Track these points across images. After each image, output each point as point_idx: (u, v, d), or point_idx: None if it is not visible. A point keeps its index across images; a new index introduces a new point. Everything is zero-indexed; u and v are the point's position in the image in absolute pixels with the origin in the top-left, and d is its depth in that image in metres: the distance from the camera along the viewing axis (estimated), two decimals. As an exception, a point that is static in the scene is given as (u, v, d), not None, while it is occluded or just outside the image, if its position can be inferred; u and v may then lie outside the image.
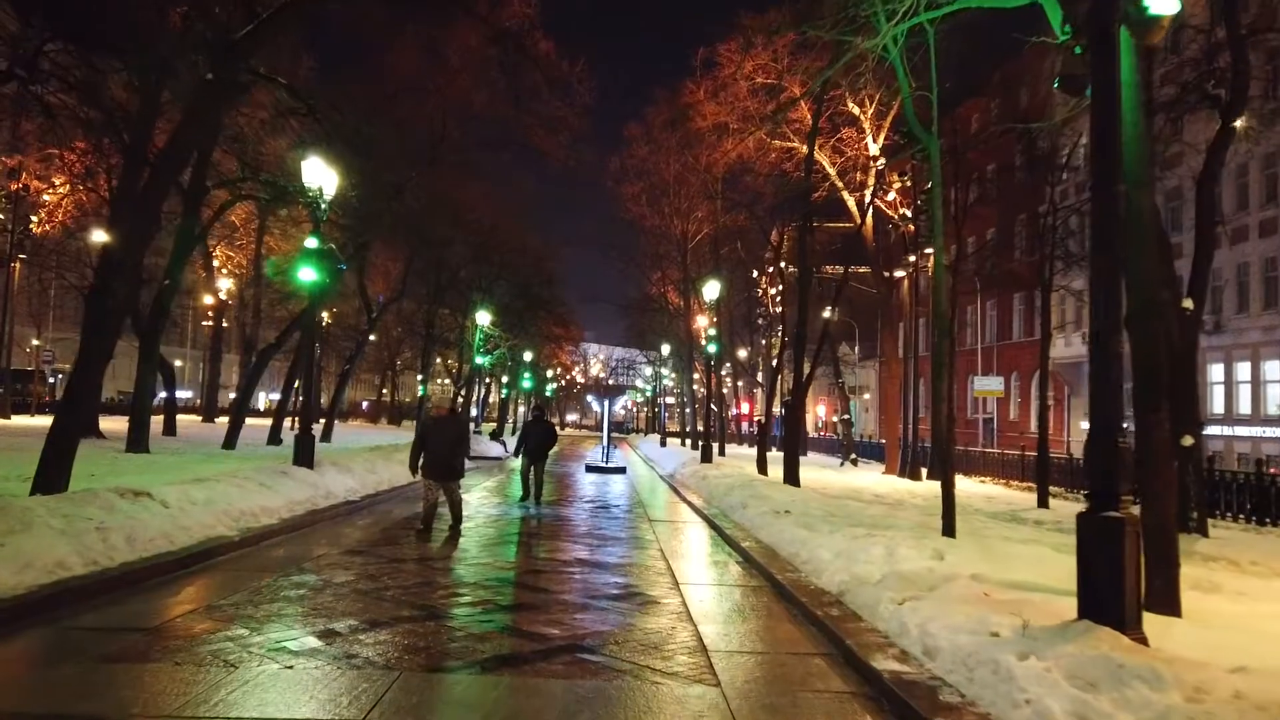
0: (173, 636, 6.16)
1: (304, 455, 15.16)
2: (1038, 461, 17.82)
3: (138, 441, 20.39)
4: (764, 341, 53.23)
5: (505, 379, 63.73)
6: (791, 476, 19.07)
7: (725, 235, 39.37)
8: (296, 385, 32.07)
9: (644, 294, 47.79)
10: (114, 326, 12.13)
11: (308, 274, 15.01)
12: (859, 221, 26.54)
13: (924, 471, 23.92)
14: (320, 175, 14.86)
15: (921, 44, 13.36)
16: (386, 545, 10.89)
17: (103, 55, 15.29)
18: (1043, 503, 17.00)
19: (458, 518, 12.22)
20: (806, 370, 20.24)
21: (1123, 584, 5.25)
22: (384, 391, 73.32)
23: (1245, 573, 9.27)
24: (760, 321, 47.53)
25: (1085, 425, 28.44)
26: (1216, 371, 34.06)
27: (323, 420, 34.28)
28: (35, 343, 58.14)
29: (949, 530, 10.66)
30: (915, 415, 24.36)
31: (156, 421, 34.80)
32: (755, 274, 44.83)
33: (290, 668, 5.51)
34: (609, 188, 43.68)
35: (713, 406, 33.39)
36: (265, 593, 7.74)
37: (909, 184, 24.63)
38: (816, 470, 28.74)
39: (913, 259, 24.14)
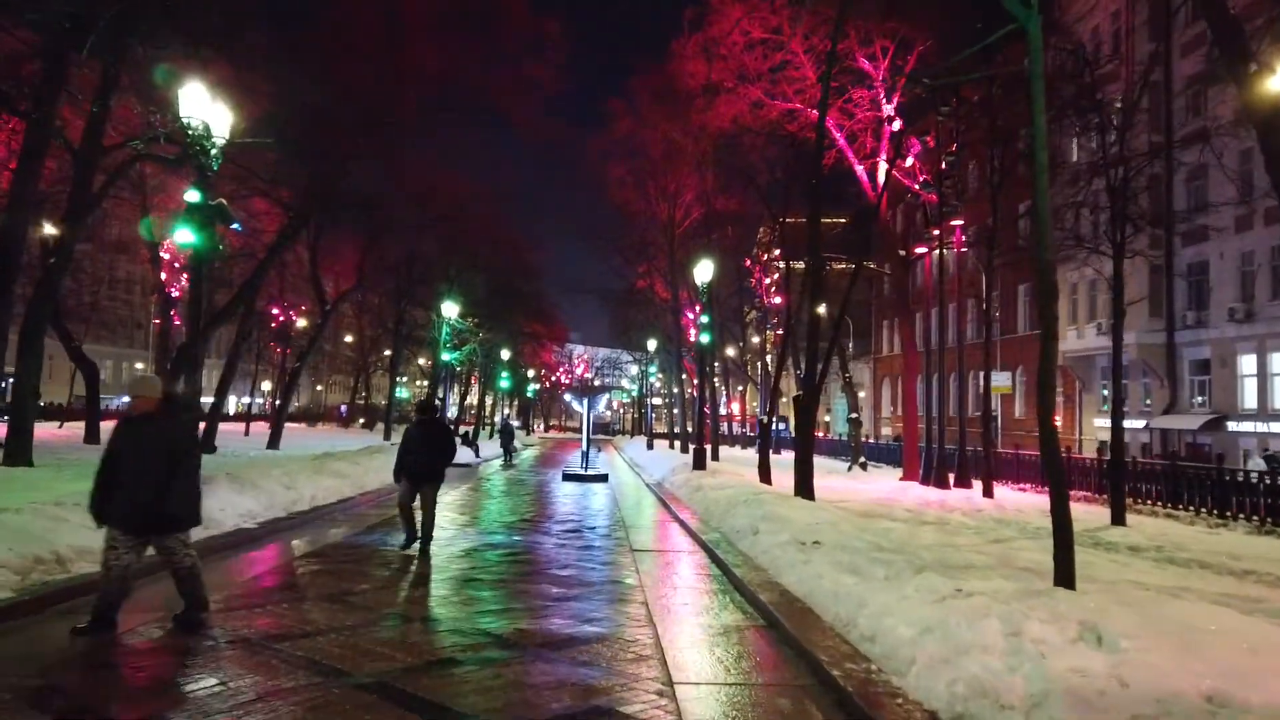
0: None
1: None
2: (1109, 468, 14.54)
3: (14, 453, 16.90)
4: (759, 337, 50.03)
5: (478, 378, 60.28)
6: (804, 487, 15.76)
7: (716, 219, 36.08)
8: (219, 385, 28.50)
9: (629, 284, 44.43)
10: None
11: (185, 235, 11.58)
12: (874, 193, 23.29)
13: (951, 478, 20.67)
14: (202, 107, 11.43)
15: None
16: (253, 609, 7.49)
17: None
18: (1118, 518, 13.75)
19: (428, 529, 10.77)
20: (811, 367, 16.87)
21: None
22: (361, 394, 69.77)
23: None
24: (755, 314, 44.23)
25: (1100, 422, 25.07)
26: (1248, 364, 31.02)
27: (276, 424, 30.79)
28: None
29: (1065, 578, 7.31)
30: (942, 413, 21.10)
31: (72, 429, 31.10)
32: (748, 263, 41.58)
33: None
34: (593, 171, 40.35)
35: (705, 409, 30.09)
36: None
37: (931, 146, 21.39)
38: (822, 476, 25.32)
39: (936, 232, 20.91)
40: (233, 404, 66.35)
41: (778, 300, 41.95)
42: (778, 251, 41.96)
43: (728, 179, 36.53)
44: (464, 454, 33.46)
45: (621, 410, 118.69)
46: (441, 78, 24.24)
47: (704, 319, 22.72)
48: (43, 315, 17.44)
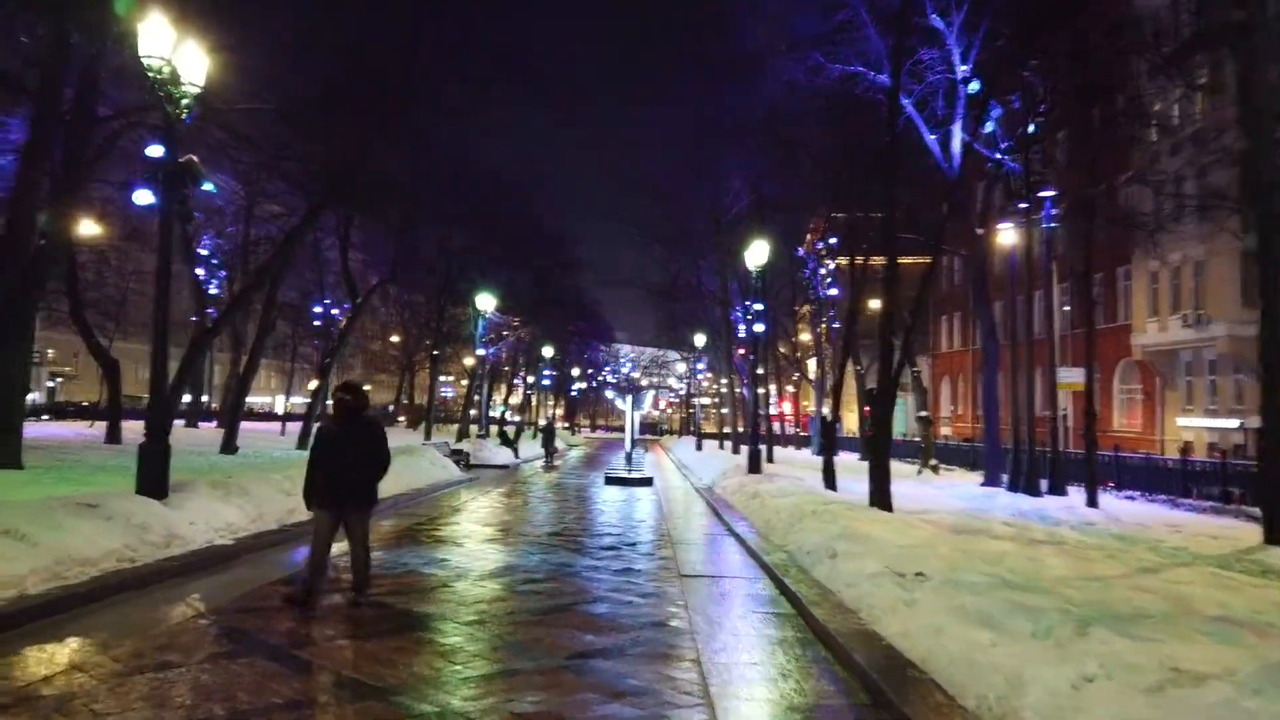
0: None
1: (150, 476, 9.90)
2: (1260, 473, 12.02)
3: (3, 454, 15.35)
4: (808, 334, 47.52)
5: (526, 376, 58.62)
6: (880, 496, 13.50)
7: (766, 206, 33.71)
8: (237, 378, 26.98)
9: (674, 277, 42.21)
10: None
11: (144, 197, 9.76)
12: (948, 166, 20.86)
13: (1043, 484, 18.17)
14: (161, 39, 9.59)
15: None
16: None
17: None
18: (1273, 538, 11.24)
19: (362, 574, 7.56)
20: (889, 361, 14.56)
21: None
22: (407, 393, 68.68)
23: None
24: (809, 307, 41.66)
25: (1184, 422, 22.09)
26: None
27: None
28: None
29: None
30: (1030, 411, 18.58)
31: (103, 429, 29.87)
32: (800, 252, 39.12)
33: None
34: (635, 158, 38.23)
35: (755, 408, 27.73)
36: None
37: (1015, 108, 18.90)
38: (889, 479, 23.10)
39: (1022, 206, 18.42)
40: (280, 404, 65.62)
41: (833, 292, 39.39)
42: (833, 240, 39.42)
43: (778, 161, 34.21)
44: (503, 455, 31.77)
45: (669, 409, 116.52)
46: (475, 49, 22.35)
47: (758, 306, 20.50)
48: (29, 301, 15.87)
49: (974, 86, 20.16)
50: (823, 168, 22.65)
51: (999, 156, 19.84)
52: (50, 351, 57.26)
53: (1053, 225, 18.73)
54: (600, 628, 6.92)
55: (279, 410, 61.52)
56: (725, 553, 11.50)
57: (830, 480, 17.67)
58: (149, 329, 10.49)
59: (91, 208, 24.71)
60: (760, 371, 25.44)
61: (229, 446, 23.91)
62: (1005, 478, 19.99)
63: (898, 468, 32.92)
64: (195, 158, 10.04)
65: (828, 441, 18.42)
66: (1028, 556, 8.84)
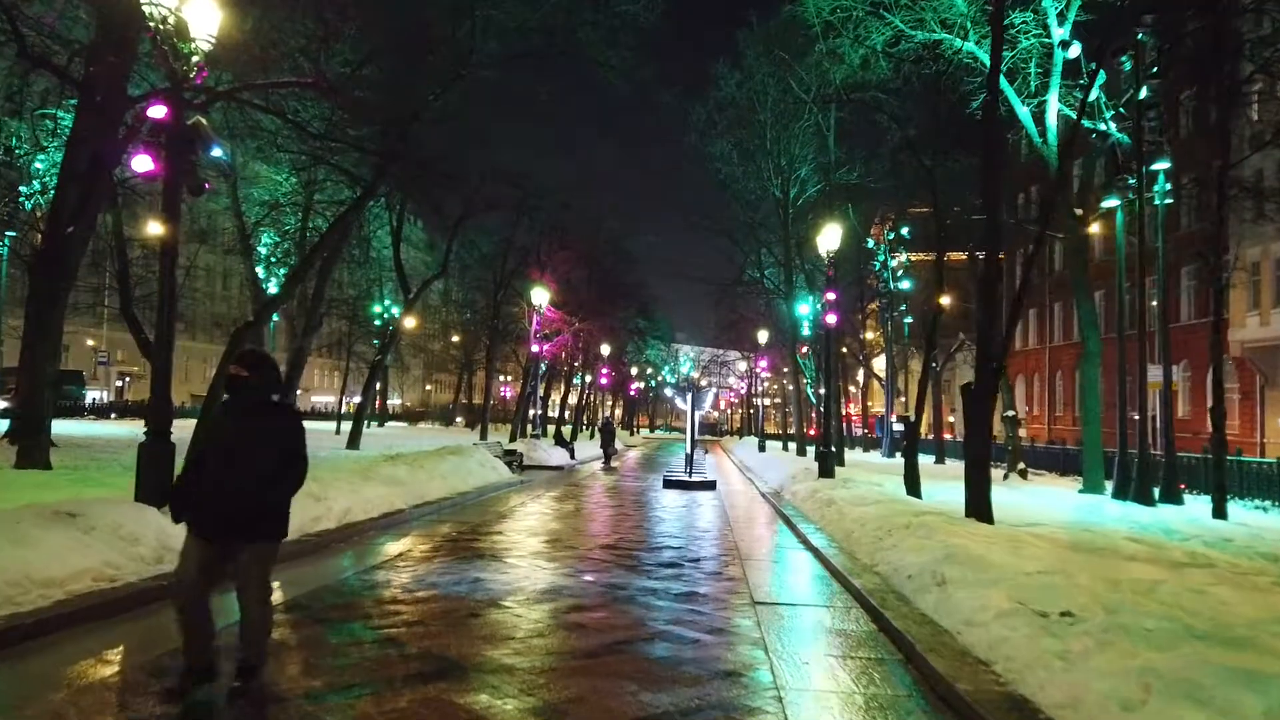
0: None
1: (150, 480, 8.76)
2: None
3: (27, 453, 14.54)
4: (873, 333, 45.38)
5: (584, 375, 57.52)
6: (979, 505, 11.75)
7: (838, 195, 31.91)
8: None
9: (738, 270, 40.54)
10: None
11: (143, 163, 8.59)
12: (1042, 139, 19.00)
13: (1156, 491, 16.16)
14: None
15: None
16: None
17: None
18: None
19: (254, 644, 4.83)
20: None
21: None
22: (465, 393, 68.41)
23: None
24: (880, 301, 39.54)
25: None
26: None
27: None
28: (90, 343, 55.18)
29: None
30: (1143, 412, 16.56)
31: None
32: (870, 243, 37.12)
33: None
34: (695, 147, 36.73)
35: (812, 404, 25.93)
36: None
37: (1123, 71, 16.89)
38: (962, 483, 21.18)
39: (1130, 181, 16.40)
40: (343, 403, 65.69)
41: (905, 285, 37.31)
42: (905, 230, 37.32)
43: (850, 145, 32.43)
44: (558, 455, 30.53)
45: (729, 410, 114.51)
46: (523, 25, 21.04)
47: (830, 296, 18.81)
48: (57, 292, 15.03)
49: (1073, 51, 18.23)
50: (907, 144, 20.78)
51: (1103, 127, 17.84)
52: (120, 352, 58.10)
53: (1167, 202, 16.70)
54: (659, 679, 5.45)
55: (342, 409, 61.54)
56: (803, 572, 9.93)
57: (914, 486, 15.94)
58: (203, 326, 9.33)
59: (139, 201, 24.22)
60: (826, 373, 23.67)
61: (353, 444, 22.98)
62: (1109, 484, 18.01)
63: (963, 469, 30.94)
64: (203, 119, 8.84)
65: (910, 443, 16.66)
66: (1187, 587, 7.10)
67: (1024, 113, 19.48)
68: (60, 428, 23.87)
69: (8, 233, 29.85)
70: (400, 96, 19.69)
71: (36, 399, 14.96)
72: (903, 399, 47.35)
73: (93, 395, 51.48)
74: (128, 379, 62.77)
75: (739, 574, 9.48)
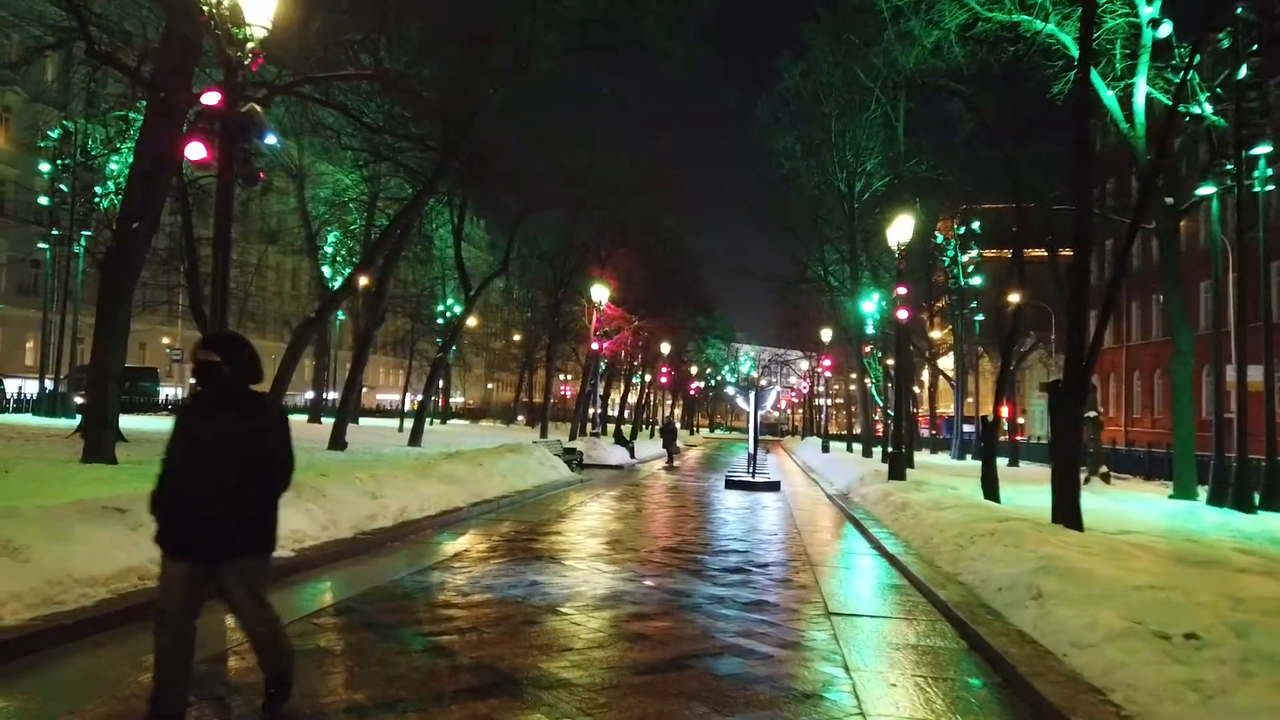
0: None
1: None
2: None
3: (93, 447, 14.66)
4: (958, 321, 43.99)
5: (644, 374, 57.17)
6: (1068, 513, 10.97)
7: (907, 189, 30.89)
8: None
9: (801, 267, 39.63)
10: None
11: (196, 150, 8.38)
12: (1129, 125, 17.98)
13: (1255, 497, 15.06)
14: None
15: None
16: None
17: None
18: None
19: (275, 656, 4.29)
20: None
21: None
22: (526, 391, 68.71)
23: None
24: (950, 298, 38.25)
25: None
26: None
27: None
28: (165, 340, 56.74)
29: None
30: (1242, 415, 15.44)
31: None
32: (939, 238, 35.95)
33: None
34: (757, 142, 36.03)
35: (876, 405, 25.05)
36: None
37: (1220, 48, 15.76)
38: (1041, 487, 20.14)
39: (1228, 167, 15.31)
40: (406, 401, 66.57)
41: (975, 281, 36.07)
42: (975, 224, 36.12)
43: (918, 138, 31.39)
44: (618, 454, 30.17)
45: (790, 409, 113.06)
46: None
47: (901, 290, 18.03)
48: (123, 288, 15.14)
49: (1164, 30, 17.17)
50: (986, 132, 19.90)
51: (1197, 110, 16.74)
52: (194, 349, 59.62)
53: (1269, 189, 15.58)
54: (730, 700, 4.95)
55: (406, 407, 62.26)
56: (879, 581, 9.31)
57: (992, 490, 15.12)
58: (272, 324, 9.14)
59: (208, 199, 24.57)
60: (897, 371, 22.81)
61: (337, 443, 23.10)
62: (1202, 490, 16.92)
63: (1035, 470, 29.60)
64: (258, 105, 8.60)
65: (988, 445, 15.83)
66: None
67: (1109, 97, 18.44)
68: (132, 423, 24.34)
69: (83, 232, 30.74)
70: (460, 92, 19.51)
71: (102, 393, 15.08)
72: (970, 399, 45.87)
73: (168, 392, 52.84)
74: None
75: (810, 581, 8.91)
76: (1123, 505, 16.23)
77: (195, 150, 8.40)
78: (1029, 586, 7.09)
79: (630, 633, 6.40)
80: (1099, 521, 12.11)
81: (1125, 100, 18.36)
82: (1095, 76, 18.20)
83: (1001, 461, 29.92)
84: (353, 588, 7.58)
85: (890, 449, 18.35)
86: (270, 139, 8.75)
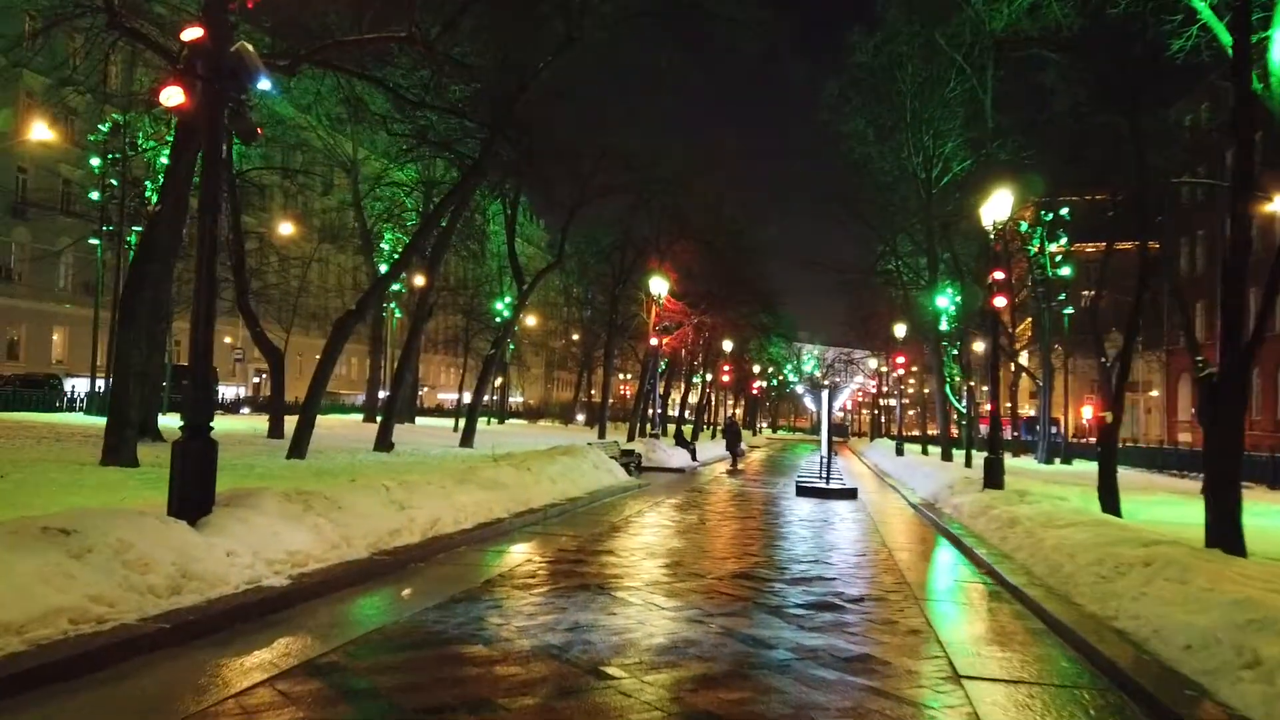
0: None
1: (183, 486, 7.17)
2: None
3: (113, 449, 13.56)
4: (1044, 315, 41.33)
5: (705, 373, 55.44)
6: (1228, 535, 8.99)
7: (993, 167, 28.60)
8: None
9: (874, 258, 37.47)
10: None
11: (174, 96, 7.00)
12: (1263, 84, 15.61)
13: None
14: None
15: None
16: None
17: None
18: None
19: None
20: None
21: None
22: (585, 391, 67.60)
23: None
24: (1037, 290, 35.60)
25: None
26: None
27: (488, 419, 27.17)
28: (227, 340, 56.90)
29: None
30: None
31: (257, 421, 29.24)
32: (1024, 225, 33.48)
33: None
34: (825, 126, 34.02)
35: (995, 404, 22.84)
36: None
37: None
38: (1156, 498, 17.95)
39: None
40: (461, 400, 65.98)
41: (1065, 271, 33.53)
42: (1064, 211, 33.53)
43: (1002, 118, 29.02)
44: (679, 457, 28.53)
45: (856, 410, 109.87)
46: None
47: (998, 275, 16.02)
48: (146, 282, 14.01)
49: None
50: (1099, 99, 17.74)
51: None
52: (255, 350, 59.92)
53: None
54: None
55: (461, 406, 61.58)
56: (1009, 625, 7.45)
57: (1111, 501, 13.10)
58: (328, 322, 7.73)
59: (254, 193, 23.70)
60: (994, 365, 20.70)
61: (383, 444, 21.89)
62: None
63: (1149, 478, 27.07)
64: (248, 45, 7.17)
65: (1107, 450, 13.76)
66: None
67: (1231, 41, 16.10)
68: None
69: (134, 228, 30.25)
70: (507, 66, 18.09)
71: (123, 391, 13.99)
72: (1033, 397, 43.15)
73: (231, 391, 52.85)
74: (264, 375, 64.70)
75: (920, 624, 7.14)
76: (1264, 521, 13.98)
77: (172, 95, 7.01)
78: (1237, 648, 5.24)
79: (695, 710, 4.75)
80: (1259, 544, 10.05)
81: (1261, 54, 16.02)
82: (1221, 28, 15.93)
83: (1090, 466, 27.59)
84: (346, 631, 6.06)
85: (986, 454, 16.33)
86: (264, 83, 7.28)
